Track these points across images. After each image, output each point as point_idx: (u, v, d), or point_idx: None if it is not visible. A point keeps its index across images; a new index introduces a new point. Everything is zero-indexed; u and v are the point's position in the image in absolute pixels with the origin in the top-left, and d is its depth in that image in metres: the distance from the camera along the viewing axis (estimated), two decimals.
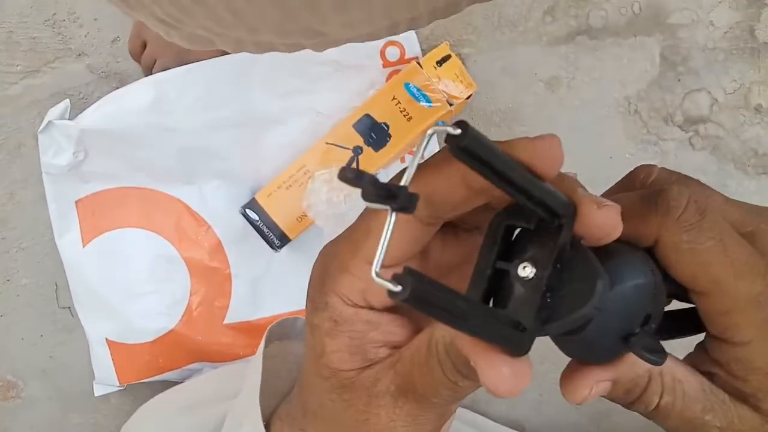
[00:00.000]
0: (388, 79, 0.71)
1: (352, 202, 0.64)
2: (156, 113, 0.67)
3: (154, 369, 0.73)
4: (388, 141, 0.68)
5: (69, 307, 0.77)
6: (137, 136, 0.67)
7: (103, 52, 0.73)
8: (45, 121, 0.66)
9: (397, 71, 0.70)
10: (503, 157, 0.19)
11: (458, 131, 0.18)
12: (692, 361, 0.26)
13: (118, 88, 0.71)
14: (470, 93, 0.68)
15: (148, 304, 0.72)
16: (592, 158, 0.73)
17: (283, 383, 0.33)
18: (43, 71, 0.73)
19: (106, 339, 0.72)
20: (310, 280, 0.26)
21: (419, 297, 0.17)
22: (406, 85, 0.67)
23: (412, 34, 0.70)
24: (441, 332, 0.23)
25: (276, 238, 0.69)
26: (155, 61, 0.69)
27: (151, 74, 0.69)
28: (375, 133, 0.68)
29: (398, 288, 0.17)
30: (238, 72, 0.68)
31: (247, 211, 0.68)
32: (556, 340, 0.23)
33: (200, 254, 0.72)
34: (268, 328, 0.37)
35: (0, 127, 0.74)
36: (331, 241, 0.25)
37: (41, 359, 0.78)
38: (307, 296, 0.26)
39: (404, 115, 0.67)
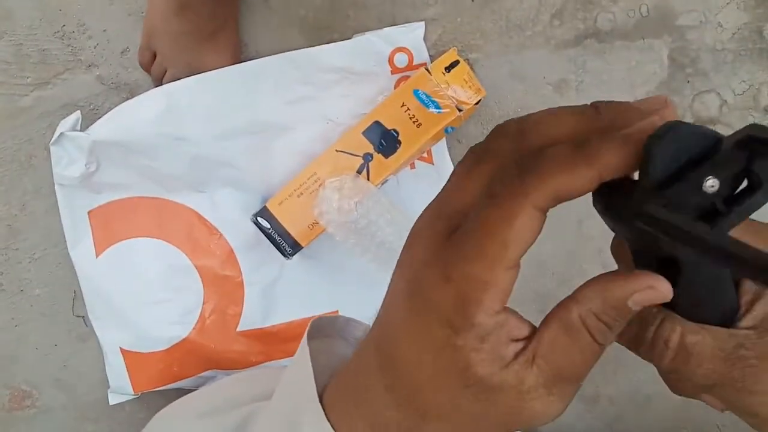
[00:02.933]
0: (396, 85, 0.71)
1: (363, 209, 0.64)
2: (167, 123, 0.68)
3: (168, 377, 0.74)
4: (398, 147, 0.68)
5: (83, 317, 0.77)
6: (148, 146, 0.68)
7: (113, 63, 0.73)
8: (57, 133, 0.66)
9: (406, 77, 0.70)
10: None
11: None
12: None
13: (128, 98, 0.71)
14: (479, 98, 0.68)
15: (161, 313, 0.72)
16: None
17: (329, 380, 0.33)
18: (54, 83, 0.74)
19: (121, 348, 0.73)
20: (431, 310, 0.26)
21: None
22: (415, 92, 0.67)
23: (420, 41, 0.70)
24: (582, 308, 0.25)
25: (288, 245, 0.69)
26: (165, 72, 0.69)
27: (161, 84, 0.69)
28: (385, 140, 0.68)
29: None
30: (248, 81, 0.68)
31: (259, 219, 0.69)
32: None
33: (212, 262, 0.72)
34: (309, 323, 0.37)
35: (11, 138, 0.74)
36: (447, 262, 0.25)
37: (55, 368, 0.79)
38: (441, 318, 0.25)
39: (414, 122, 0.67)
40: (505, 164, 0.25)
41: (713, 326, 0.27)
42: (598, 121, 0.25)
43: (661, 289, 0.24)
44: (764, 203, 0.23)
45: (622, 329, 0.26)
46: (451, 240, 0.25)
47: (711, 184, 0.23)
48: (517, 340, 0.26)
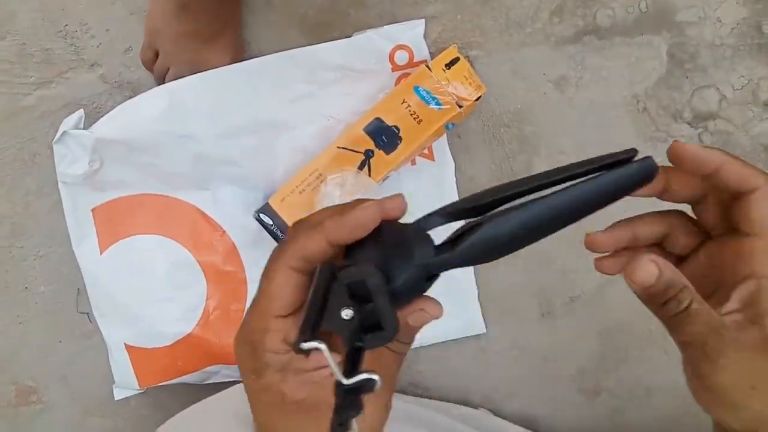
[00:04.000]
0: (397, 82, 0.71)
1: None
2: (169, 121, 0.68)
3: (172, 372, 0.74)
4: (399, 144, 0.68)
5: (87, 313, 0.78)
6: (151, 144, 0.68)
7: (116, 61, 0.73)
8: (60, 131, 0.67)
9: (406, 75, 0.71)
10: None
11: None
12: None
13: (131, 97, 0.72)
14: (479, 95, 0.69)
15: (165, 309, 0.73)
16: None
17: None
18: (57, 82, 0.74)
19: (125, 344, 0.73)
20: (239, 359, 0.33)
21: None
22: (416, 89, 0.68)
23: (420, 38, 0.71)
24: None
25: None
26: (168, 70, 0.69)
27: (164, 83, 0.70)
28: (386, 136, 0.68)
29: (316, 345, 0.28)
30: (250, 79, 0.69)
31: (261, 215, 0.69)
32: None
33: (215, 259, 0.73)
34: None
35: (14, 137, 0.75)
36: (240, 328, 0.33)
37: (61, 365, 0.79)
38: (246, 371, 0.33)
39: (414, 118, 0.68)
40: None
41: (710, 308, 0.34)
42: (347, 206, 0.33)
43: (430, 310, 0.33)
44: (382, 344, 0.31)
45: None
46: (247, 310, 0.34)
47: (346, 314, 0.30)
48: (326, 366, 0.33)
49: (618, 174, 0.32)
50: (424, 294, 0.34)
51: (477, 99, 0.68)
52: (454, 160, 0.74)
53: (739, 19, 0.71)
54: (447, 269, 0.33)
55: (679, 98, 0.72)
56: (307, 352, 0.27)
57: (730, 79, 0.72)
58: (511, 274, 0.76)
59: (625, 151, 0.33)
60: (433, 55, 0.71)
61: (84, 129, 0.68)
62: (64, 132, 0.67)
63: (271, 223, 0.69)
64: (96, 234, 0.72)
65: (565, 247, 0.73)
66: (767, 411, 0.32)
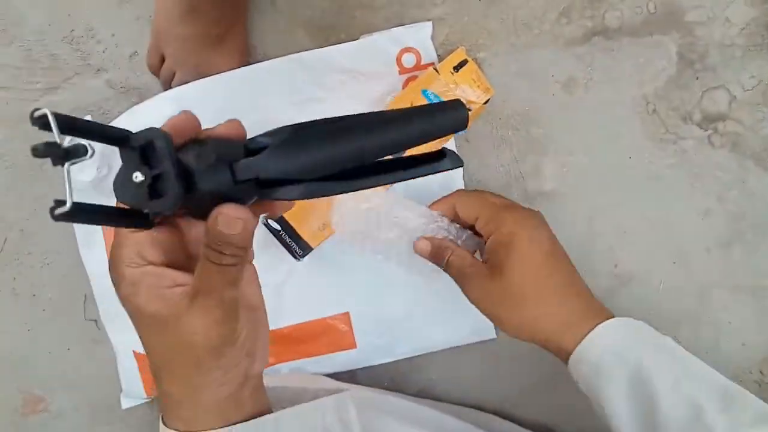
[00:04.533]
0: (404, 85, 0.71)
1: (374, 211, 0.64)
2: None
3: None
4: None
5: (95, 320, 0.77)
6: None
7: (122, 67, 0.73)
8: (68, 138, 0.67)
9: (414, 77, 0.70)
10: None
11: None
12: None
13: (137, 102, 0.72)
14: (488, 97, 0.68)
15: None
16: (611, 159, 0.73)
17: None
18: (63, 88, 0.74)
19: (134, 351, 0.73)
20: (109, 273, 0.36)
21: (79, 211, 0.29)
22: (424, 92, 0.67)
23: (427, 40, 0.70)
24: (202, 244, 0.34)
25: (298, 247, 0.69)
26: (174, 75, 0.69)
27: (170, 88, 0.70)
28: None
29: (61, 210, 0.28)
30: (256, 83, 0.69)
31: (269, 221, 0.69)
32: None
33: None
34: None
35: (22, 143, 0.75)
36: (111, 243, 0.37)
37: (68, 372, 0.79)
38: (113, 284, 0.36)
39: None
40: None
41: (467, 254, 0.58)
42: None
43: (226, 209, 0.33)
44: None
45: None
46: None
47: (135, 176, 0.31)
48: (182, 285, 0.35)
49: (436, 116, 0.34)
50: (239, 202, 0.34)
51: (485, 102, 0.68)
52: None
53: (748, 19, 0.70)
54: (255, 174, 0.33)
55: (689, 99, 0.72)
56: (37, 119, 0.28)
57: (740, 79, 0.71)
58: None
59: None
60: (440, 58, 0.71)
61: None
62: (72, 139, 0.66)
63: (279, 228, 0.69)
64: (104, 241, 0.72)
65: (574, 251, 0.73)
66: (502, 313, 0.55)
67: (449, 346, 0.76)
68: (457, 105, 0.35)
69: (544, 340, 0.53)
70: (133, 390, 0.75)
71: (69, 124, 0.29)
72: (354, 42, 0.70)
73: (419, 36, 0.70)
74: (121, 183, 0.32)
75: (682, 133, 0.72)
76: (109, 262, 0.36)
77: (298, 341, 0.75)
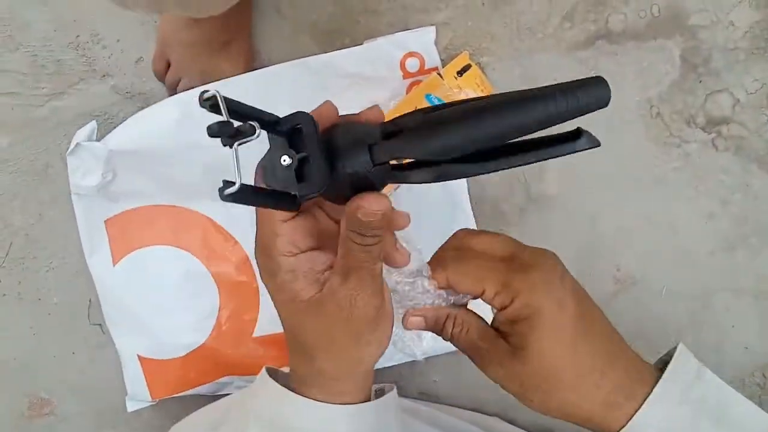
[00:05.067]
0: (408, 90, 0.71)
1: None
2: (181, 132, 0.68)
3: (185, 383, 0.74)
4: None
5: (100, 324, 0.78)
6: (164, 155, 0.68)
7: (127, 72, 0.74)
8: (73, 143, 0.67)
9: (418, 82, 0.71)
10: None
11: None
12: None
13: (142, 107, 0.72)
14: None
15: (178, 320, 0.72)
16: (616, 162, 0.73)
17: None
18: (69, 93, 0.74)
19: (138, 355, 0.73)
20: (258, 265, 0.37)
21: (244, 191, 0.29)
22: (428, 96, 0.67)
23: (431, 45, 0.71)
24: (343, 228, 0.35)
25: None
26: (179, 81, 0.70)
27: (176, 93, 0.70)
28: None
29: (232, 189, 0.28)
30: (261, 88, 0.69)
31: None
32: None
33: (228, 269, 0.73)
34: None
35: (28, 148, 0.75)
36: (256, 238, 0.38)
37: (73, 376, 0.79)
38: (264, 276, 0.37)
39: None
40: None
41: (477, 323, 0.44)
42: None
43: (366, 203, 0.33)
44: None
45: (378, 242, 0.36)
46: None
47: (284, 159, 0.32)
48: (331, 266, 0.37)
49: (578, 94, 0.32)
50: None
51: None
52: None
53: (752, 22, 0.70)
54: (392, 155, 0.33)
55: (693, 102, 0.72)
56: (206, 101, 0.29)
57: (744, 82, 0.71)
58: None
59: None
60: (444, 62, 0.71)
61: (97, 140, 0.68)
62: (78, 144, 0.67)
63: None
64: (109, 245, 0.72)
65: (576, 254, 0.73)
66: (533, 396, 0.44)
67: (453, 350, 0.76)
68: (599, 81, 0.33)
69: (584, 420, 0.46)
70: (138, 393, 0.75)
71: (233, 107, 0.30)
72: (358, 47, 0.70)
73: (423, 41, 0.70)
74: (270, 167, 0.32)
75: (685, 137, 0.73)
76: (260, 252, 0.37)
77: None
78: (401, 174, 0.34)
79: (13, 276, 0.78)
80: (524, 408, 0.78)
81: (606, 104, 0.33)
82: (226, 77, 0.68)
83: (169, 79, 0.70)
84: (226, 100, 0.29)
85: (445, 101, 0.67)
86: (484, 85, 0.68)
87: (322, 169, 0.32)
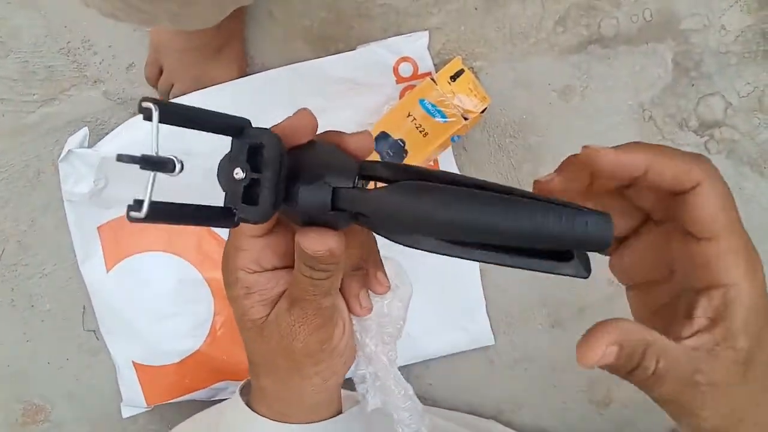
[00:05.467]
0: (402, 95, 0.71)
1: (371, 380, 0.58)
2: (175, 137, 0.67)
3: (180, 389, 0.74)
4: (404, 157, 0.68)
5: (93, 331, 0.77)
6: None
7: (119, 78, 0.73)
8: (65, 150, 0.67)
9: (411, 87, 0.71)
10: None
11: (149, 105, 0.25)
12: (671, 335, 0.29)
13: (134, 113, 0.72)
14: (485, 106, 0.68)
15: (172, 326, 0.72)
16: None
17: None
18: (60, 99, 0.74)
19: (133, 362, 0.73)
20: (222, 270, 0.36)
21: (157, 211, 0.26)
22: (421, 102, 0.67)
23: (424, 49, 0.71)
24: (297, 261, 0.33)
25: None
26: (172, 87, 0.69)
27: (168, 99, 0.70)
28: (392, 150, 0.68)
29: (138, 214, 0.25)
30: (255, 93, 0.69)
31: None
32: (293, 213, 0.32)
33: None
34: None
35: (19, 155, 0.75)
36: (225, 246, 0.36)
37: (68, 382, 0.79)
38: (223, 275, 0.36)
39: (420, 131, 0.67)
40: None
41: (678, 348, 0.29)
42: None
43: (307, 242, 0.31)
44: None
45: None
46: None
47: (236, 172, 0.29)
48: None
49: (576, 225, 0.28)
50: (327, 227, 0.32)
51: (482, 111, 0.68)
52: (461, 172, 0.74)
53: (743, 26, 0.71)
54: (356, 207, 0.30)
55: (685, 106, 0.72)
56: (143, 110, 0.26)
57: (736, 86, 0.72)
58: (518, 285, 0.76)
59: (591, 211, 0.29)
60: (437, 67, 0.71)
61: (88, 147, 0.67)
62: (69, 151, 0.66)
63: None
64: (102, 252, 0.72)
65: None
66: None
67: (448, 354, 0.76)
68: (604, 217, 0.28)
69: None
70: (133, 399, 0.75)
71: (175, 114, 0.27)
72: (351, 52, 0.70)
73: (416, 45, 0.70)
74: (224, 170, 0.30)
75: (678, 140, 0.73)
76: (223, 259, 0.36)
77: None
78: (364, 224, 0.31)
79: (5, 283, 0.77)
80: (520, 410, 0.79)
81: (605, 246, 0.28)
82: (219, 83, 0.68)
83: (162, 85, 0.70)
84: (171, 108, 0.26)
85: (439, 106, 0.67)
86: (477, 90, 0.68)
87: (269, 202, 0.29)
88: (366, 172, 0.32)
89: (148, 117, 0.25)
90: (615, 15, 0.71)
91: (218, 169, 0.31)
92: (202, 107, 0.28)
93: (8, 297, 0.78)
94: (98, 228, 0.72)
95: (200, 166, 0.68)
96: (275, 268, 0.35)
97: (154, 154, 0.26)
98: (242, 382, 0.44)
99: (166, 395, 0.74)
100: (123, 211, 0.71)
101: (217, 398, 0.76)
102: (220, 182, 0.31)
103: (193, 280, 0.72)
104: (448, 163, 0.73)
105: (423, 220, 0.29)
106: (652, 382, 0.29)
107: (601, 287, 0.74)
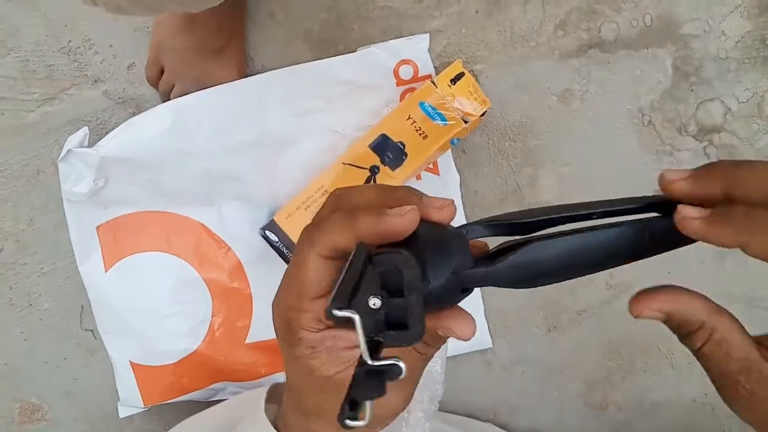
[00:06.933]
0: (402, 97, 0.71)
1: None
2: (174, 138, 0.68)
3: (178, 389, 0.74)
4: (404, 159, 0.68)
5: (91, 330, 0.77)
6: (156, 161, 0.68)
7: (119, 78, 0.73)
8: (64, 150, 0.67)
9: (411, 89, 0.71)
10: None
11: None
12: (759, 338, 0.32)
13: (134, 113, 0.72)
14: (485, 110, 0.68)
15: (170, 327, 0.72)
16: (607, 170, 0.73)
17: None
18: (60, 98, 0.74)
19: (130, 362, 0.73)
20: (275, 328, 0.35)
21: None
22: (421, 104, 0.67)
23: (425, 52, 0.71)
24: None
25: None
26: (172, 86, 0.69)
27: (169, 99, 0.70)
28: (391, 153, 0.68)
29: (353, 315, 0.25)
30: (254, 94, 0.69)
31: (267, 232, 0.69)
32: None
33: (221, 275, 0.73)
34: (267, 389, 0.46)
35: (19, 154, 0.75)
36: (276, 297, 0.35)
37: (65, 381, 0.79)
38: (280, 338, 0.35)
39: (420, 134, 0.68)
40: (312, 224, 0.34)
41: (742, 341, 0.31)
42: (389, 198, 0.33)
43: (458, 329, 0.32)
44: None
45: None
46: (282, 279, 0.35)
47: (373, 302, 0.27)
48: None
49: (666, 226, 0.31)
50: (456, 305, 0.33)
51: (482, 114, 0.68)
52: (460, 175, 0.74)
53: (743, 32, 0.71)
54: (483, 285, 0.31)
55: (684, 111, 0.72)
56: (338, 320, 0.25)
57: (735, 92, 0.72)
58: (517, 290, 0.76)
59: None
60: (437, 70, 0.71)
61: (88, 146, 0.67)
62: (69, 150, 0.66)
63: (277, 239, 0.69)
64: (101, 251, 0.72)
65: None
66: None
67: (447, 356, 0.76)
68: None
69: None
70: (131, 399, 0.75)
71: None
72: (352, 54, 0.70)
73: (417, 48, 0.70)
74: (356, 301, 0.28)
75: (677, 145, 0.73)
76: (281, 322, 0.35)
77: None
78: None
79: (4, 281, 0.77)
80: (517, 413, 0.79)
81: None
82: (220, 83, 0.68)
83: (163, 85, 0.70)
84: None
85: (439, 109, 0.67)
86: (477, 93, 0.68)
87: (422, 323, 0.27)
88: (472, 236, 0.33)
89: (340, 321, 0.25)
90: (615, 19, 0.71)
91: (335, 298, 0.29)
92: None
93: (6, 296, 0.78)
94: (97, 228, 0.72)
95: (196, 166, 0.69)
96: (336, 327, 0.34)
97: (371, 362, 0.25)
98: (264, 397, 0.44)
99: (163, 395, 0.74)
100: (122, 211, 0.70)
101: (215, 399, 0.76)
102: (336, 316, 0.28)
103: (191, 281, 0.72)
104: (447, 166, 0.74)
105: (549, 273, 0.31)
106: (698, 357, 0.32)
107: (600, 290, 0.75)
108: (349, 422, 0.24)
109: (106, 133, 0.71)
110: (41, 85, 0.74)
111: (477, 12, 0.72)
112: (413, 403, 0.41)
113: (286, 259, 0.70)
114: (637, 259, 0.32)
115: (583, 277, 0.65)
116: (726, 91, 0.72)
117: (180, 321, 0.72)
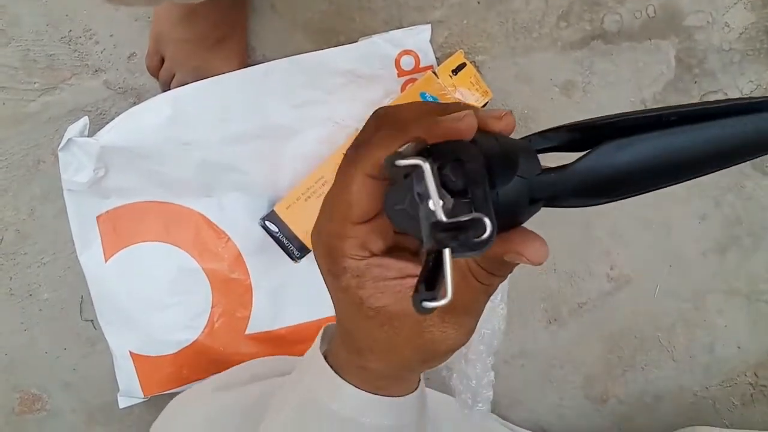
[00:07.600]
0: (403, 88, 0.71)
1: None
2: (174, 128, 0.68)
3: (177, 380, 0.74)
4: None
5: (92, 320, 0.77)
6: (156, 151, 0.68)
7: (120, 68, 0.73)
8: (65, 139, 0.67)
9: (412, 80, 0.70)
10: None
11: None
12: None
13: (135, 103, 0.72)
14: (486, 101, 0.68)
15: (170, 317, 0.72)
16: None
17: None
18: (61, 88, 0.74)
19: (130, 352, 0.73)
20: (318, 260, 0.32)
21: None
22: (423, 95, 0.67)
23: (426, 43, 0.70)
24: (477, 274, 0.30)
25: (296, 249, 0.69)
26: (173, 76, 0.69)
27: (169, 89, 0.69)
28: None
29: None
30: (256, 85, 0.69)
31: (267, 223, 0.69)
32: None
33: (221, 266, 0.72)
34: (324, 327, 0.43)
35: (19, 144, 0.75)
36: (316, 225, 0.32)
37: (65, 372, 0.79)
38: (324, 272, 0.32)
39: None
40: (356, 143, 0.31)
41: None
42: (440, 109, 0.29)
43: (528, 252, 0.28)
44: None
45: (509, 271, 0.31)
46: (322, 206, 0.32)
47: (431, 204, 0.23)
48: (412, 276, 0.31)
49: None
50: (523, 226, 0.29)
51: (484, 105, 0.68)
52: None
53: (747, 23, 0.70)
54: (554, 195, 0.27)
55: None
56: (399, 172, 0.23)
57: (739, 83, 0.71)
58: (517, 281, 0.75)
59: None
60: (439, 60, 0.71)
61: (89, 136, 0.67)
62: (69, 140, 0.66)
63: (277, 230, 0.69)
64: (101, 241, 0.72)
65: (570, 252, 0.73)
66: None
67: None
68: None
69: None
70: (131, 389, 0.75)
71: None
72: (353, 44, 0.70)
73: (418, 39, 0.70)
74: (394, 202, 0.25)
75: None
76: (322, 251, 0.32)
77: (295, 342, 0.75)
78: (551, 205, 0.29)
79: (4, 271, 0.77)
80: (517, 406, 0.79)
81: None
82: (220, 74, 0.68)
83: (163, 75, 0.69)
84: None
85: (440, 100, 0.67)
86: (479, 84, 0.68)
87: (493, 221, 0.22)
88: (538, 146, 0.29)
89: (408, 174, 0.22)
90: (618, 11, 0.71)
91: (386, 204, 0.26)
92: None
93: (6, 286, 0.78)
94: (97, 217, 0.71)
95: (196, 157, 0.69)
96: (385, 254, 0.32)
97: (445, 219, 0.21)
98: (317, 343, 0.40)
99: (163, 386, 0.74)
100: (122, 201, 0.69)
101: None
102: (394, 221, 0.26)
103: (191, 271, 0.72)
104: None
105: (629, 180, 0.28)
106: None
107: (600, 283, 0.74)
108: (427, 304, 0.20)
109: (107, 122, 0.70)
110: (42, 74, 0.74)
111: (479, 3, 0.71)
112: (474, 335, 0.38)
113: (286, 250, 0.70)
114: (736, 163, 0.28)
115: (583, 270, 0.65)
116: (729, 83, 0.71)
117: (180, 311, 0.72)
